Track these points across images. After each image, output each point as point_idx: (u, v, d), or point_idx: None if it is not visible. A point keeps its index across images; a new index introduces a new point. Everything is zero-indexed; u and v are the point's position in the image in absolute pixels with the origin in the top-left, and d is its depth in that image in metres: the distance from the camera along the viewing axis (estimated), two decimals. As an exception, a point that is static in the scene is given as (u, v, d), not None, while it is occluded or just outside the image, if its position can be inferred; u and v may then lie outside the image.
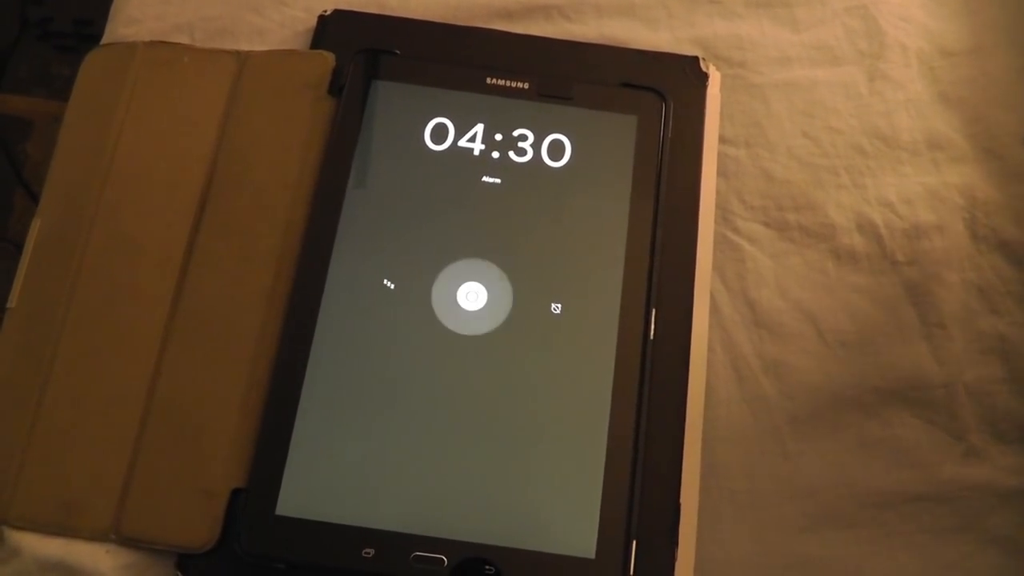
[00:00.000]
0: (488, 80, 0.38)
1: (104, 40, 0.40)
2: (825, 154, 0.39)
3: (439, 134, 0.37)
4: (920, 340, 0.37)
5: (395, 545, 0.31)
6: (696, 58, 0.40)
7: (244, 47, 0.40)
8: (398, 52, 0.39)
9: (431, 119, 0.37)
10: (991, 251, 0.38)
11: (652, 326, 0.35)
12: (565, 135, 0.37)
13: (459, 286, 0.35)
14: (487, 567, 0.31)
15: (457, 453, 0.33)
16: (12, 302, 0.35)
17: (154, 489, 0.32)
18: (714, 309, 0.37)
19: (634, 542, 0.32)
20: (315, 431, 0.33)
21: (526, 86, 0.38)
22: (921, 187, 0.39)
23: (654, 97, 0.38)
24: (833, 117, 0.40)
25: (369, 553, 0.31)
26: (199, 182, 0.37)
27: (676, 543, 0.33)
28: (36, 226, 0.36)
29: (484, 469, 0.32)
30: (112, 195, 0.36)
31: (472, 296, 0.35)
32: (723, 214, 0.38)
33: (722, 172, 0.39)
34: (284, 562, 0.32)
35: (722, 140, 0.39)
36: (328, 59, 0.39)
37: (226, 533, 0.32)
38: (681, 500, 0.33)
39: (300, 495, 0.32)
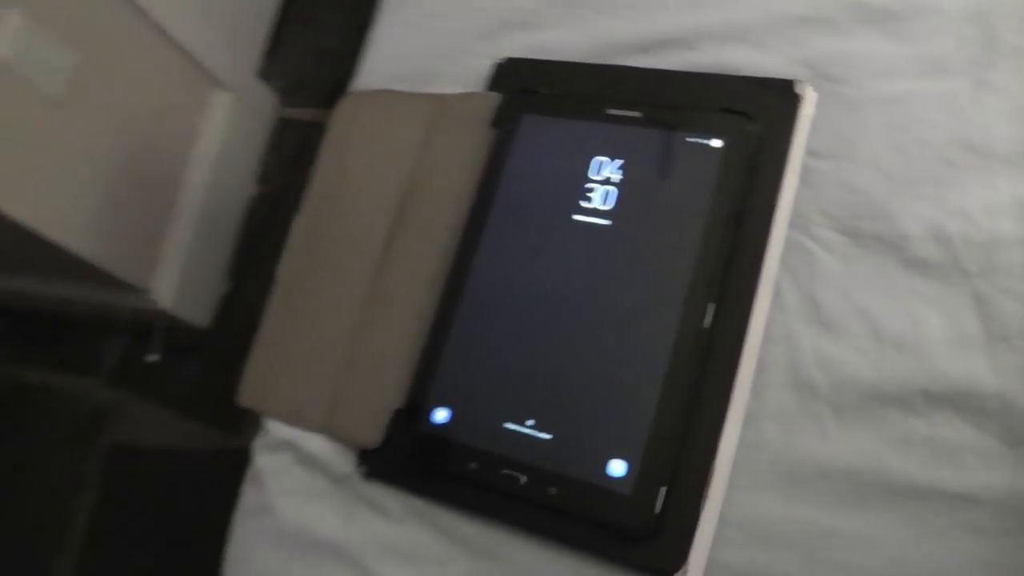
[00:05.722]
0: (608, 111, 0.47)
1: (349, 89, 0.56)
2: (910, 165, 0.41)
3: (568, 157, 0.47)
4: (979, 351, 0.38)
5: (488, 460, 0.43)
6: (790, 81, 0.44)
7: (443, 90, 0.53)
8: (542, 91, 0.49)
9: (561, 144, 0.48)
10: (1074, 266, 0.37)
11: (708, 317, 0.41)
12: (666, 156, 0.45)
13: (569, 257, 0.45)
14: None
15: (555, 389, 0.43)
16: (281, 272, 0.53)
17: (348, 404, 0.48)
18: (780, 306, 0.42)
19: (663, 488, 0.40)
20: (459, 373, 0.45)
21: (639, 115, 0.46)
22: (1010, 198, 0.39)
23: (745, 121, 0.44)
24: (926, 129, 0.41)
25: (475, 467, 0.44)
26: (399, 194, 0.51)
27: (706, 496, 0.40)
28: (297, 222, 0.54)
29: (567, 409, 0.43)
30: (340, 204, 0.52)
31: (580, 274, 0.45)
32: (802, 221, 0.43)
33: (806, 182, 0.43)
34: (426, 467, 0.45)
35: (811, 153, 0.43)
36: (494, 98, 0.51)
37: (388, 439, 0.47)
38: (716, 462, 0.40)
39: (441, 419, 0.45)
